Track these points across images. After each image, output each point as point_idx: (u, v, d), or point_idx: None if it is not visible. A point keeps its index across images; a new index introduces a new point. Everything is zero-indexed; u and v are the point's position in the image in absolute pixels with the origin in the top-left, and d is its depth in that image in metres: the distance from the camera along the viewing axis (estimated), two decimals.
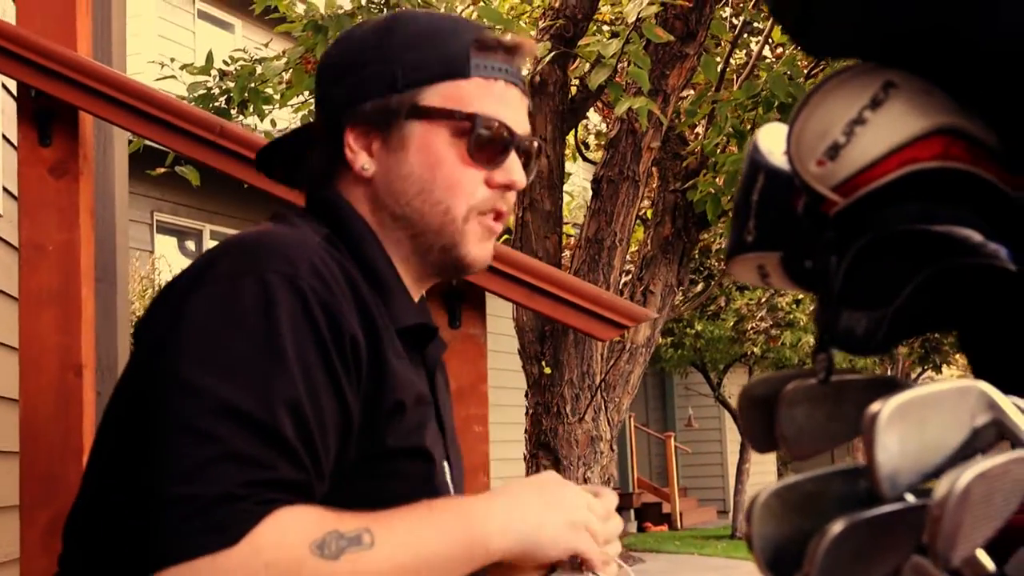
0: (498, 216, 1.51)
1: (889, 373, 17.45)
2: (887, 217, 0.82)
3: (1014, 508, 0.73)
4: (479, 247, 1.51)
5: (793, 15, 0.78)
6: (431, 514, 1.30)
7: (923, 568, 0.75)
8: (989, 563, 0.74)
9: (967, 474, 0.68)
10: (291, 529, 1.19)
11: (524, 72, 1.61)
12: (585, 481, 4.98)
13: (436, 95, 1.47)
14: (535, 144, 1.56)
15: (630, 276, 5.73)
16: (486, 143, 1.47)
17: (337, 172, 1.52)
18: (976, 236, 0.81)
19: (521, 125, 1.51)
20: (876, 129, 0.80)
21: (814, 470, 0.81)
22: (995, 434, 0.76)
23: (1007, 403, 0.75)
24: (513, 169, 1.50)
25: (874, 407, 0.71)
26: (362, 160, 1.49)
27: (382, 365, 1.36)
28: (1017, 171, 0.83)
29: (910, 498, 0.74)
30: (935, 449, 0.74)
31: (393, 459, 1.37)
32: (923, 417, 0.73)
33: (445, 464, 1.50)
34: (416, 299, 1.55)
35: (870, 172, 0.81)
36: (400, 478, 1.38)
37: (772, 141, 0.95)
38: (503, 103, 1.49)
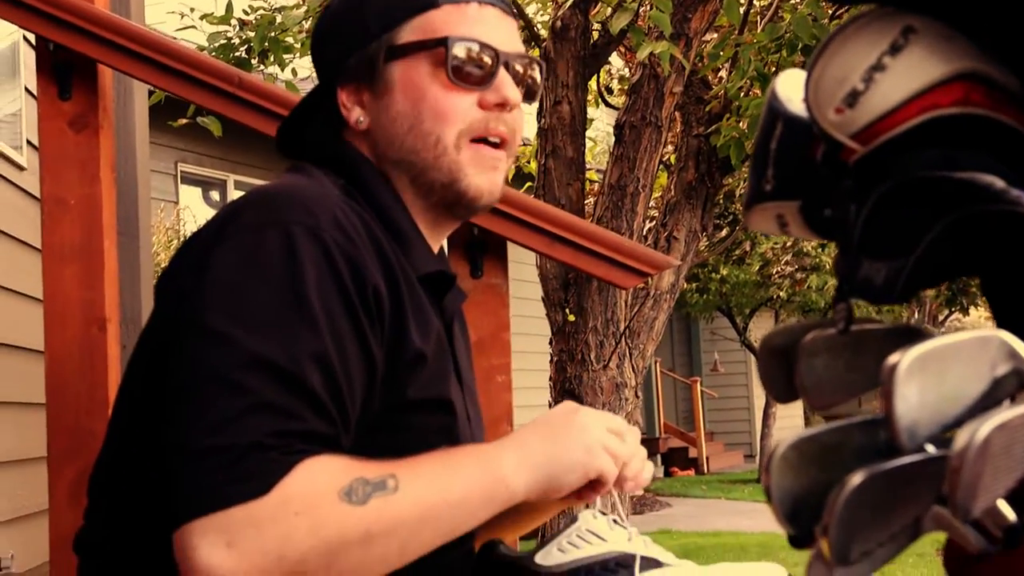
0: (500, 143, 1.50)
1: (916, 316, 17.39)
2: (907, 164, 0.81)
3: None
4: (480, 176, 1.49)
5: None
6: (451, 459, 1.32)
7: (943, 519, 0.75)
8: (1011, 513, 0.74)
9: (987, 425, 0.68)
10: (319, 477, 1.20)
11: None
12: None
13: (409, 31, 1.47)
14: (529, 62, 1.53)
15: (654, 222, 5.71)
16: (466, 63, 1.46)
17: (340, 133, 1.54)
18: (999, 182, 0.80)
19: (507, 43, 1.50)
20: (895, 75, 0.79)
21: (832, 422, 0.80)
22: (1016, 384, 0.75)
23: None
24: (504, 86, 1.48)
25: (892, 358, 0.71)
26: (356, 114, 1.50)
27: (403, 316, 1.36)
28: None
29: (930, 448, 0.73)
30: (955, 400, 0.73)
31: (415, 410, 1.38)
32: (942, 368, 0.72)
33: (465, 415, 1.50)
34: (436, 248, 1.55)
35: (890, 119, 0.80)
36: (422, 429, 1.39)
37: (791, 88, 0.94)
38: (480, 22, 1.48)
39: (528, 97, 1.54)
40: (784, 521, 0.80)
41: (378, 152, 1.50)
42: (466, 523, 1.31)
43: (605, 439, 1.38)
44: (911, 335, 0.90)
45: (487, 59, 1.47)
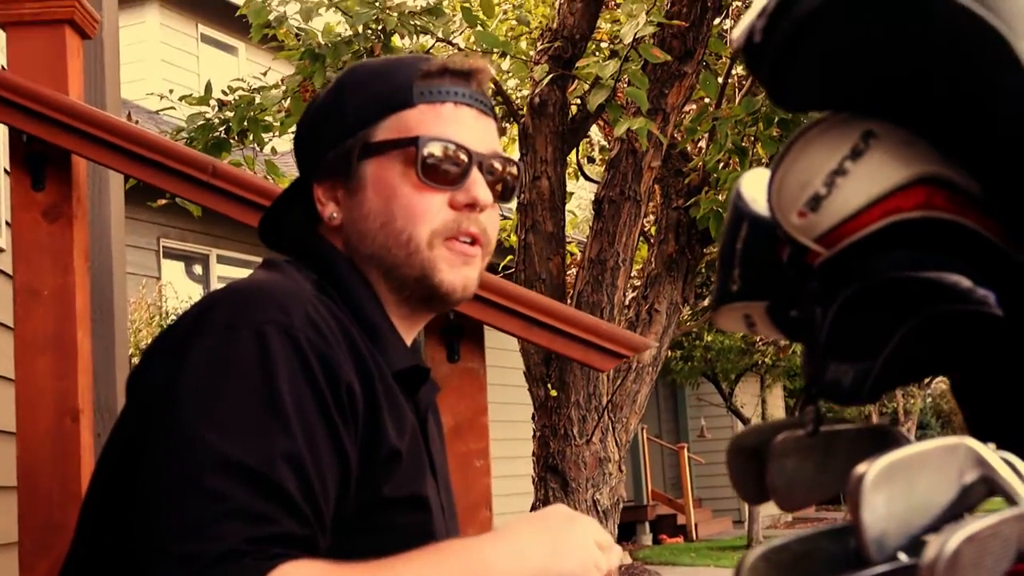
0: (473, 241, 1.49)
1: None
2: (872, 266, 0.81)
3: (1006, 568, 0.71)
4: (453, 272, 1.48)
5: (767, 67, 0.76)
6: (437, 557, 1.28)
7: None
8: None
9: (955, 537, 0.67)
10: None
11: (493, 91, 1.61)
12: (595, 503, 4.95)
13: (384, 129, 1.47)
14: (505, 162, 1.53)
15: (636, 293, 5.72)
16: (438, 163, 1.46)
17: (316, 227, 1.54)
18: (965, 281, 0.80)
19: (481, 142, 1.49)
20: (857, 180, 0.79)
21: (801, 532, 0.79)
22: (985, 491, 0.75)
23: (996, 459, 0.74)
24: (475, 186, 1.47)
25: (860, 468, 0.70)
26: (330, 210, 1.50)
27: (378, 413, 1.35)
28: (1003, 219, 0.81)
29: (902, 557, 0.72)
30: (923, 509, 0.73)
31: (390, 508, 1.36)
32: (910, 477, 0.72)
33: (440, 510, 1.48)
34: (409, 341, 1.54)
35: (853, 223, 0.80)
36: (398, 528, 1.37)
37: (755, 188, 0.94)
38: (454, 122, 1.48)
39: (504, 196, 1.53)
40: None
41: (351, 247, 1.50)
42: None
43: (596, 555, 1.36)
44: (882, 436, 0.89)
45: (459, 159, 1.46)
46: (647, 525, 16.37)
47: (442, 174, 1.46)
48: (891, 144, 0.79)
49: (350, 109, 1.49)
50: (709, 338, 14.91)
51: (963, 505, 0.74)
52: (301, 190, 1.55)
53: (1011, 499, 0.73)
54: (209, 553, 1.16)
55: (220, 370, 1.26)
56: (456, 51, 5.69)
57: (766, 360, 15.81)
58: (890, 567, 0.71)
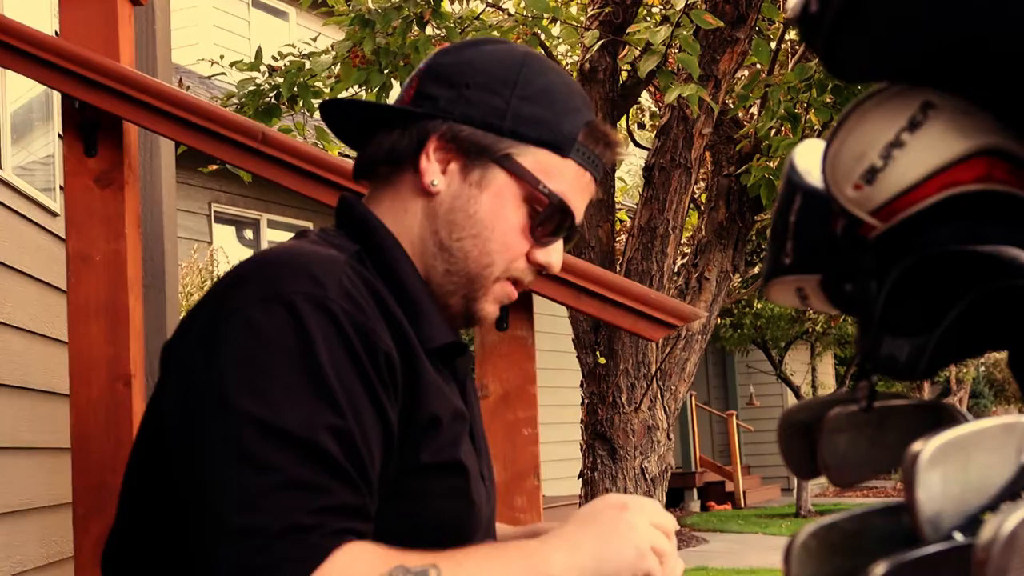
0: (518, 286, 1.53)
1: None
2: (929, 239, 0.79)
3: None
4: (493, 306, 1.51)
5: (823, 37, 0.74)
6: (497, 554, 1.30)
7: None
8: None
9: (1013, 518, 0.65)
10: (357, 564, 1.19)
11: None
12: (643, 471, 4.95)
13: (531, 158, 1.46)
14: (579, 233, 1.57)
15: (686, 261, 5.69)
16: (549, 224, 1.48)
17: (402, 169, 1.49)
18: (1023, 256, 0.78)
19: (581, 215, 1.53)
20: (915, 152, 0.77)
21: (853, 510, 0.78)
22: None
23: None
24: (554, 252, 1.51)
25: (915, 447, 0.69)
26: (434, 174, 1.46)
27: (417, 381, 1.35)
28: None
29: (957, 536, 0.71)
30: (980, 489, 0.71)
31: (430, 474, 1.36)
32: (966, 456, 0.71)
33: (480, 478, 1.49)
34: None
35: (909, 196, 0.78)
36: (437, 493, 1.38)
37: (810, 160, 0.92)
38: (581, 195, 1.51)
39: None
40: None
41: (432, 222, 1.47)
42: None
43: (652, 537, 1.36)
44: (936, 412, 0.88)
45: (564, 228, 1.50)
46: (695, 492, 16.38)
47: (545, 232, 1.49)
48: (950, 115, 0.77)
49: (515, 111, 1.46)
50: (759, 306, 14.85)
51: (1021, 484, 0.73)
52: (402, 119, 1.48)
53: None
54: (270, 527, 1.17)
55: (256, 344, 1.26)
56: (507, 17, 5.66)
57: (816, 328, 15.73)
58: (945, 546, 0.70)
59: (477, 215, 1.45)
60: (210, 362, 1.26)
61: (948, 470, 0.70)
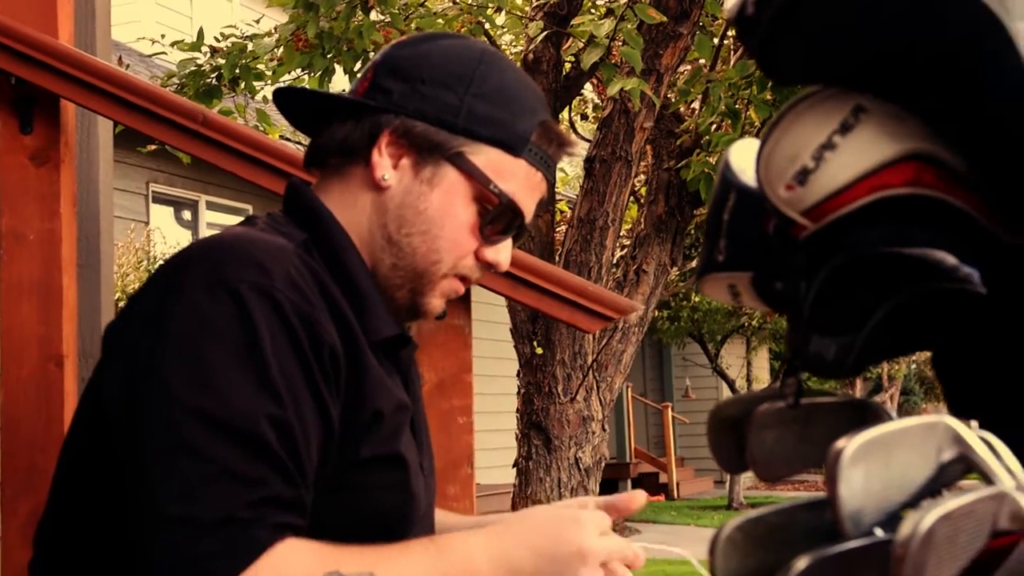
0: (465, 283, 1.53)
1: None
2: (858, 240, 0.81)
3: (979, 546, 0.72)
4: (439, 301, 1.51)
5: (759, 38, 0.75)
6: (437, 556, 1.29)
7: None
8: None
9: (930, 515, 0.67)
10: (292, 563, 1.19)
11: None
12: (577, 461, 4.97)
13: (483, 156, 1.46)
14: (528, 230, 1.57)
15: (624, 253, 5.72)
16: (498, 223, 1.48)
17: (353, 161, 1.48)
18: (950, 259, 0.80)
19: (531, 215, 1.53)
20: (846, 154, 0.79)
21: (777, 504, 0.80)
22: (962, 469, 0.75)
23: (974, 438, 0.74)
24: (502, 251, 1.51)
25: (839, 444, 0.70)
26: (385, 168, 1.46)
27: (360, 375, 1.34)
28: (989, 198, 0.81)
29: (878, 532, 0.73)
30: (900, 486, 0.73)
31: (369, 468, 1.36)
32: (888, 454, 0.72)
33: (419, 469, 1.49)
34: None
35: (840, 198, 0.79)
36: (377, 486, 1.38)
37: (744, 159, 0.93)
38: (532, 194, 1.50)
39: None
40: None
41: (381, 216, 1.47)
42: None
43: (590, 546, 1.33)
44: (861, 409, 0.90)
45: (513, 228, 1.50)
46: (629, 483, 16.45)
47: (494, 231, 1.49)
48: (881, 119, 0.79)
49: (469, 109, 1.45)
50: (696, 299, 14.95)
51: (941, 482, 0.74)
52: (355, 111, 1.48)
53: (987, 478, 0.73)
54: (204, 518, 1.17)
55: (201, 332, 1.25)
56: (452, 4, 5.65)
57: (752, 323, 15.86)
58: (866, 542, 0.72)
59: (427, 212, 1.45)
60: (154, 348, 1.25)
61: (870, 467, 0.71)
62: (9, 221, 2.18)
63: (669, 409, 17.36)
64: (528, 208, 1.51)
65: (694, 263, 11.29)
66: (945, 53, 0.74)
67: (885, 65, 0.77)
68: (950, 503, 0.68)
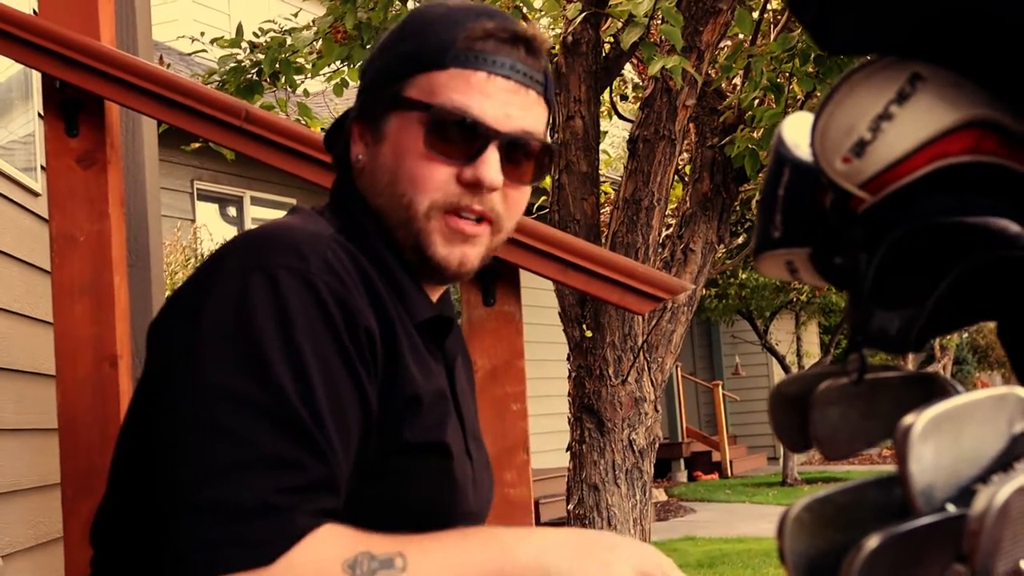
0: (481, 218, 1.44)
1: None
2: (918, 211, 0.79)
3: None
4: (447, 248, 1.43)
5: (813, 9, 0.74)
6: (465, 541, 1.28)
7: None
8: None
9: (1006, 488, 0.66)
10: (324, 547, 1.18)
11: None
12: (630, 443, 4.96)
13: (413, 87, 1.43)
14: (534, 142, 1.46)
15: (671, 233, 5.69)
16: (448, 135, 1.40)
17: (350, 164, 1.52)
18: (1013, 226, 0.79)
19: (507, 119, 1.42)
20: (903, 124, 0.77)
21: (846, 482, 0.79)
22: None
23: None
24: (484, 165, 1.41)
25: (907, 419, 0.69)
26: (358, 151, 1.49)
27: (397, 359, 1.34)
28: None
29: (949, 507, 0.71)
30: (972, 460, 0.72)
31: (411, 454, 1.36)
32: (958, 428, 0.71)
33: (466, 458, 1.48)
34: (435, 296, 1.52)
35: (898, 169, 0.78)
36: (418, 474, 1.37)
37: (798, 133, 0.92)
38: (481, 94, 1.41)
39: (531, 178, 1.48)
40: None
41: (368, 196, 1.48)
42: None
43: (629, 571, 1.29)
44: (927, 384, 0.88)
45: (473, 134, 1.41)
46: (682, 462, 16.45)
47: (452, 147, 1.41)
48: (938, 87, 0.77)
49: (393, 56, 1.47)
50: (744, 276, 14.88)
51: (1013, 455, 0.73)
52: (342, 125, 1.57)
53: None
54: (237, 504, 1.16)
55: (237, 317, 1.25)
56: None
57: (801, 298, 15.77)
58: (938, 517, 0.71)
59: (384, 166, 1.45)
60: (191, 334, 1.26)
61: (940, 442, 0.70)
62: (59, 224, 2.20)
63: (720, 387, 17.32)
64: (489, 112, 1.41)
65: (740, 240, 11.24)
66: (1004, 12, 0.73)
67: (942, 29, 0.76)
68: None
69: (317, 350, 1.25)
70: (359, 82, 1.57)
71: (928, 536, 0.72)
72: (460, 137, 1.40)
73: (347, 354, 1.27)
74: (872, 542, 0.71)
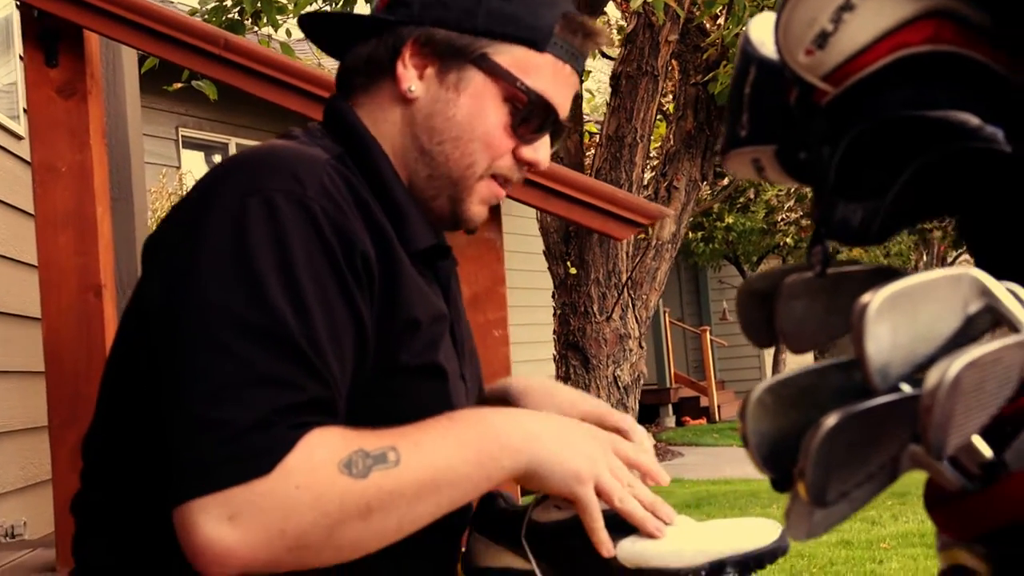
0: (505, 185, 1.52)
1: (924, 259, 17.35)
2: (879, 104, 0.80)
3: (1008, 395, 0.72)
4: (480, 207, 1.52)
5: None
6: (453, 428, 1.31)
7: (920, 457, 0.75)
8: (986, 450, 0.74)
9: (957, 363, 0.67)
10: (319, 449, 1.20)
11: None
12: (615, 379, 4.99)
13: (508, 56, 1.46)
14: (565, 127, 1.56)
15: (654, 171, 5.69)
16: (531, 120, 1.48)
17: (380, 78, 1.49)
18: (973, 119, 0.79)
19: (565, 110, 1.52)
20: (864, 14, 0.78)
21: (808, 365, 0.80)
22: (990, 321, 0.75)
23: (1000, 289, 0.74)
24: (541, 148, 1.51)
25: (864, 298, 0.70)
26: (411, 80, 1.47)
27: (395, 282, 1.35)
28: (1015, 52, 0.81)
29: (906, 388, 0.73)
30: (927, 339, 0.73)
31: (407, 376, 1.37)
32: (915, 307, 0.72)
33: (460, 381, 1.50)
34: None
35: (860, 59, 0.79)
36: (415, 394, 1.39)
37: (764, 32, 0.93)
38: (564, 90, 1.50)
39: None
40: (762, 465, 0.80)
41: (411, 129, 1.48)
42: (466, 496, 1.31)
43: (601, 473, 1.38)
44: (890, 276, 0.89)
45: (546, 123, 1.50)
46: (670, 408, 16.51)
47: (529, 129, 1.49)
48: None
49: (489, 7, 1.46)
50: (730, 220, 14.88)
51: (967, 335, 0.74)
52: (378, 28, 1.49)
53: (1015, 327, 0.73)
54: (236, 422, 1.17)
55: (235, 239, 1.26)
56: None
57: (788, 241, 15.78)
58: (895, 397, 0.72)
59: (456, 118, 1.46)
60: (190, 256, 1.27)
61: (897, 321, 0.71)
62: (41, 154, 2.20)
63: (707, 332, 17.35)
64: (561, 103, 1.50)
65: (725, 180, 11.23)
66: None
67: None
68: (976, 351, 0.68)
69: (314, 274, 1.26)
70: None
71: (886, 416, 0.73)
72: (538, 123, 1.49)
73: (343, 278, 1.28)
74: (830, 420, 0.72)
